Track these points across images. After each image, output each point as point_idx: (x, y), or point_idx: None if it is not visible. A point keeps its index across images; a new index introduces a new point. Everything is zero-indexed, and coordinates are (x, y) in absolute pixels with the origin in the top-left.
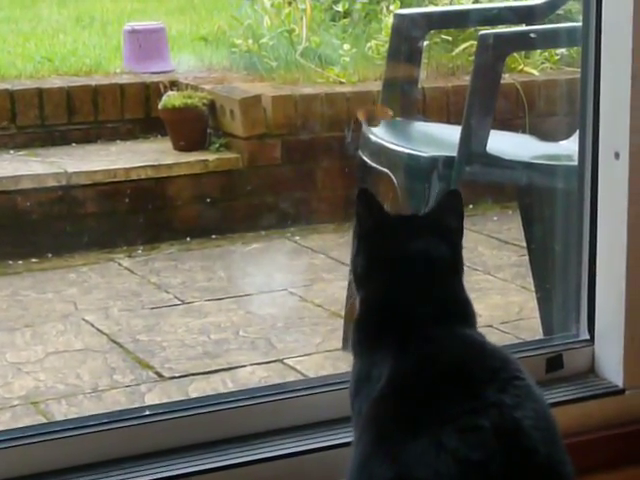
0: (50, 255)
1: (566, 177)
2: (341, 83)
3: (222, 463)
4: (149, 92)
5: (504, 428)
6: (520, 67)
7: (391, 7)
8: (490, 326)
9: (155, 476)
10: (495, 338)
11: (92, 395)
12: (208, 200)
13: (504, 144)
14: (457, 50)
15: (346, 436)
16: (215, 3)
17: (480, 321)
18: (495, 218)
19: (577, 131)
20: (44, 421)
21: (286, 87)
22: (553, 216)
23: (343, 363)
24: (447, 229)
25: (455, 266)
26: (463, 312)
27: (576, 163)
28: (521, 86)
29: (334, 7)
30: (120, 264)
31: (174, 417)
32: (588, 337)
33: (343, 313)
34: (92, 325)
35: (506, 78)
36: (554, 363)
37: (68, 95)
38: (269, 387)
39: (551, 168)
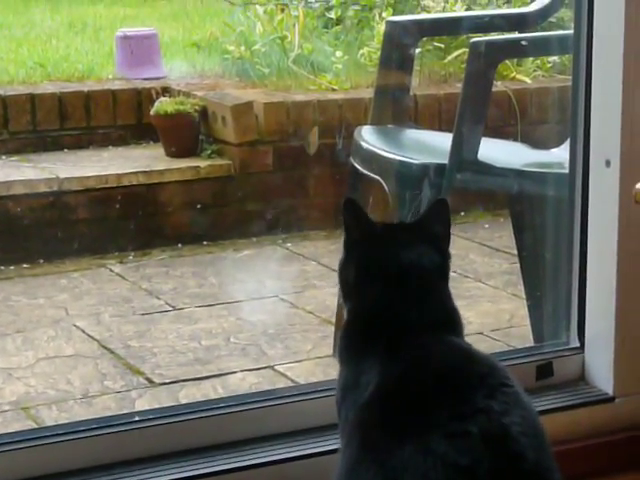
0: (41, 261)
1: (557, 185)
2: (333, 90)
3: (212, 469)
4: (141, 98)
5: (492, 434)
6: (512, 75)
7: (383, 14)
8: (481, 333)
9: None
10: (486, 345)
11: (83, 401)
12: (199, 206)
13: (495, 152)
14: (449, 57)
15: (336, 443)
16: (208, 9)
17: (471, 328)
18: (486, 226)
19: (568, 139)
20: (34, 426)
21: (278, 94)
22: (544, 224)
23: (334, 370)
24: (435, 237)
25: (443, 274)
26: (451, 320)
27: (567, 171)
28: (513, 94)
29: (327, 14)
30: (111, 270)
31: (164, 423)
32: (578, 345)
33: (334, 320)
34: (83, 331)
35: (498, 86)
36: (544, 371)
37: (60, 101)
38: (259, 393)
39: (542, 176)
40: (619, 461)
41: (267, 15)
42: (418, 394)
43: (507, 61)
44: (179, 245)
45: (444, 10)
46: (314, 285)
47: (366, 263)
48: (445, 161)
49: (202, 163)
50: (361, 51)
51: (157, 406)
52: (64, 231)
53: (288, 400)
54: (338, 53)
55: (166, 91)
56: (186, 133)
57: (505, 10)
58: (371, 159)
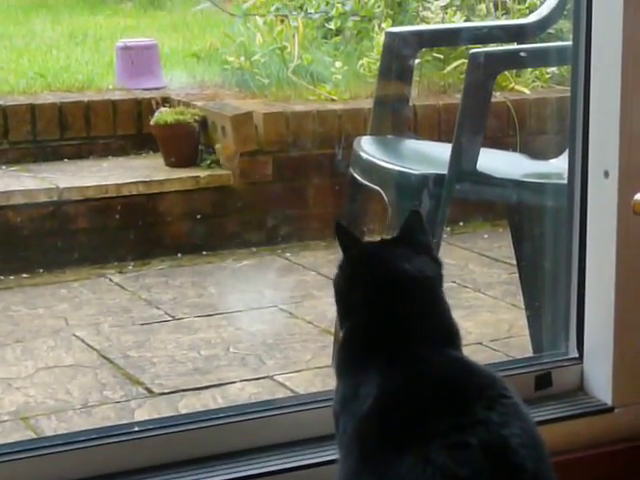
0: (41, 270)
1: (556, 195)
2: (333, 100)
3: (212, 479)
4: (141, 108)
5: (492, 445)
6: (511, 85)
7: (383, 25)
8: (480, 343)
9: None
10: (485, 356)
11: (82, 411)
12: (199, 216)
13: (494, 162)
14: (449, 68)
15: (335, 453)
16: (207, 20)
17: (470, 338)
18: (486, 236)
19: (567, 149)
20: (34, 436)
21: (278, 104)
22: (543, 234)
23: (333, 380)
24: (425, 247)
25: (441, 283)
26: (450, 333)
27: (566, 181)
28: (512, 104)
29: (326, 25)
30: (111, 280)
31: (163, 433)
32: (577, 355)
33: (333, 330)
34: (83, 341)
35: (497, 96)
36: (543, 381)
37: (60, 111)
38: (259, 403)
39: (541, 186)
40: (618, 471)
41: (267, 26)
42: (417, 406)
43: (506, 72)
44: (179, 255)
45: (443, 21)
46: (313, 295)
47: (367, 279)
48: (444, 171)
49: (202, 173)
50: (360, 62)
51: (156, 416)
52: (64, 241)
53: (287, 410)
54: (337, 64)
55: (166, 101)
56: (186, 143)
57: (504, 21)
58: (370, 169)
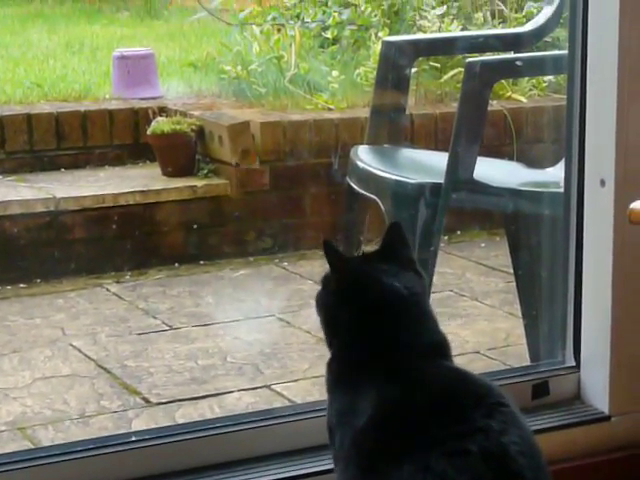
0: (38, 280)
1: (553, 204)
2: (330, 110)
3: None
4: (138, 118)
5: (491, 452)
6: (508, 94)
7: (380, 34)
8: (477, 352)
9: None
10: (482, 364)
11: (79, 421)
12: (196, 226)
13: (491, 171)
14: (445, 77)
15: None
16: (204, 30)
17: (467, 347)
18: (483, 244)
19: (564, 158)
20: (31, 447)
21: (275, 113)
22: (540, 243)
23: None
24: (408, 261)
25: (426, 298)
26: (441, 345)
27: (562, 190)
28: (509, 113)
29: (323, 34)
30: (108, 290)
31: (160, 443)
32: (574, 364)
33: None
34: (80, 351)
35: (494, 105)
36: (540, 389)
37: (57, 121)
38: (256, 413)
39: (538, 195)
40: None
41: (264, 35)
42: (416, 415)
43: (503, 80)
44: (176, 264)
45: (440, 30)
46: (310, 304)
47: (357, 299)
48: (441, 180)
49: (199, 183)
50: (357, 71)
51: (154, 426)
52: (61, 251)
53: (285, 420)
54: (334, 73)
55: (163, 111)
56: (183, 153)
57: (501, 30)
58: (367, 178)
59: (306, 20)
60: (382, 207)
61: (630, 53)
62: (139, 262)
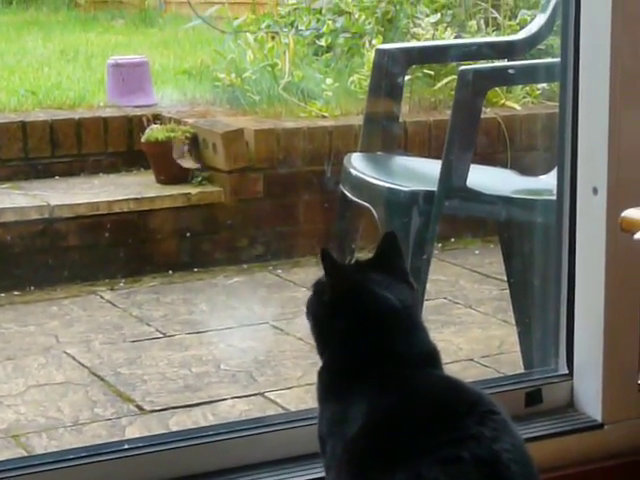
0: (32, 288)
1: (546, 212)
2: (323, 117)
3: None
4: (132, 126)
5: (483, 460)
6: (502, 101)
7: (373, 42)
8: (471, 360)
9: None
10: (476, 372)
11: (73, 428)
12: (190, 233)
13: (484, 179)
14: (439, 84)
15: None
16: (198, 37)
17: (461, 355)
18: (477, 252)
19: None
20: (24, 454)
21: (269, 121)
22: (533, 250)
23: None
24: (401, 271)
25: (417, 309)
26: (432, 354)
27: (555, 198)
28: (503, 120)
29: (317, 42)
30: (102, 297)
31: (154, 451)
32: (567, 371)
33: None
34: (73, 358)
35: (487, 112)
36: (533, 397)
37: (52, 128)
38: (249, 421)
39: (531, 203)
40: None
41: (258, 43)
42: (408, 423)
43: (497, 88)
44: (170, 272)
45: (434, 37)
46: (304, 312)
47: (352, 309)
48: (434, 188)
49: (193, 190)
50: (351, 78)
51: (147, 434)
52: (55, 258)
53: (278, 427)
54: (328, 80)
55: (157, 118)
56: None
57: (494, 38)
58: (360, 186)
59: (300, 28)
60: (375, 215)
61: (622, 61)
62: (133, 269)
